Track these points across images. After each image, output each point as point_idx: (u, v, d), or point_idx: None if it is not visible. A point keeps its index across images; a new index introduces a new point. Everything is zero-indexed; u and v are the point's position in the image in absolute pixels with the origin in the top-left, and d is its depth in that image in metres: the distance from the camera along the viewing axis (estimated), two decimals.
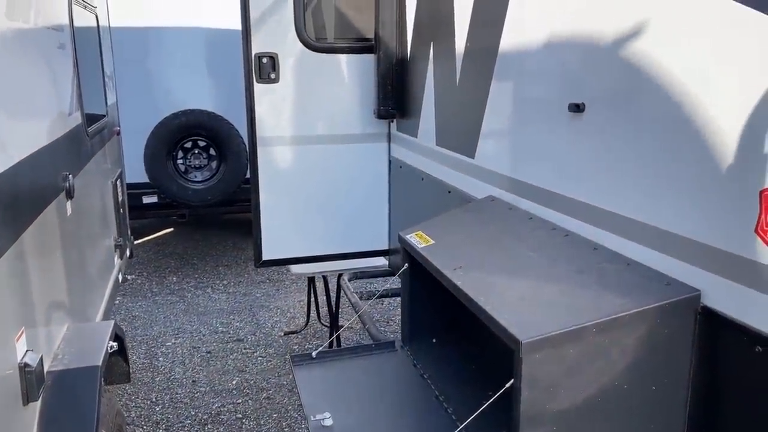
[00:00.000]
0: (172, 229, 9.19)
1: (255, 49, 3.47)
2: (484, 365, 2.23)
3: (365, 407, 2.05)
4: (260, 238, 3.77)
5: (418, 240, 2.28)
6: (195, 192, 6.90)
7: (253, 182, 3.70)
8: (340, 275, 4.44)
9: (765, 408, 1.34)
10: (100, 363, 2.36)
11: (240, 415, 4.53)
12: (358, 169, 3.84)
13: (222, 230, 9.26)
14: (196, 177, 6.97)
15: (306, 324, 5.89)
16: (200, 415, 4.54)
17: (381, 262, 4.23)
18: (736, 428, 1.43)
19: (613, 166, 1.81)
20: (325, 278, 5.10)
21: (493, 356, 1.98)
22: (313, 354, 2.37)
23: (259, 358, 5.40)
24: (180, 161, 6.94)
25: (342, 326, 5.97)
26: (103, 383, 2.41)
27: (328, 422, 1.91)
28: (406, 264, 2.39)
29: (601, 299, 1.57)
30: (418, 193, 3.35)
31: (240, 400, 4.73)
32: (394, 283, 4.11)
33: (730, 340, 1.43)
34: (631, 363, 1.52)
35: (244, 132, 6.77)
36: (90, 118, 3.57)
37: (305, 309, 5.83)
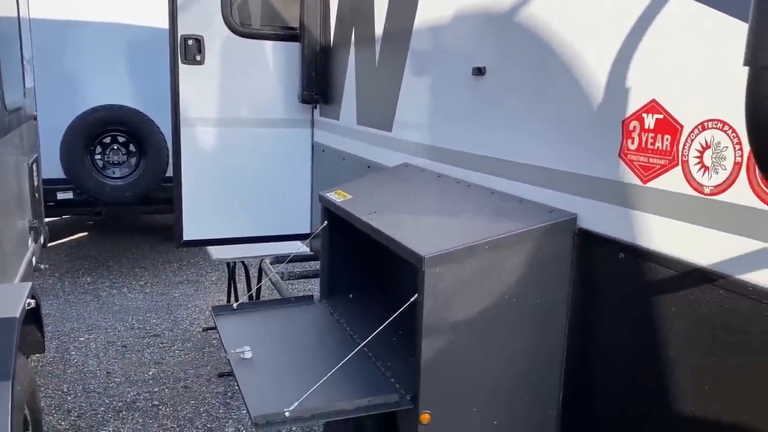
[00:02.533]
0: (86, 233, 8.94)
1: (181, 31, 3.57)
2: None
3: (284, 344, 2.18)
4: (181, 218, 3.82)
5: (337, 196, 2.45)
6: (113, 188, 6.79)
7: (176, 162, 3.77)
8: (261, 260, 4.52)
9: (628, 305, 1.58)
10: (18, 314, 2.37)
11: (156, 402, 4.49)
12: (281, 154, 3.98)
13: (140, 234, 9.08)
14: (114, 173, 6.87)
15: None
16: (115, 403, 4.47)
17: (302, 248, 4.35)
18: (607, 328, 1.66)
19: (507, 119, 2.05)
20: (245, 266, 5.15)
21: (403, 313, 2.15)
22: (234, 305, 2.47)
23: (177, 351, 5.36)
24: (98, 157, 6.82)
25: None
26: (19, 338, 2.42)
27: (248, 355, 2.03)
28: (326, 221, 2.55)
29: (494, 224, 1.79)
30: (339, 172, 3.53)
31: (156, 389, 4.69)
32: (317, 265, 4.25)
33: (600, 252, 1.67)
34: (519, 278, 1.74)
35: (165, 129, 6.76)
36: (8, 95, 3.55)
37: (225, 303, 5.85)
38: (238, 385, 1.86)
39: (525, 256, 1.73)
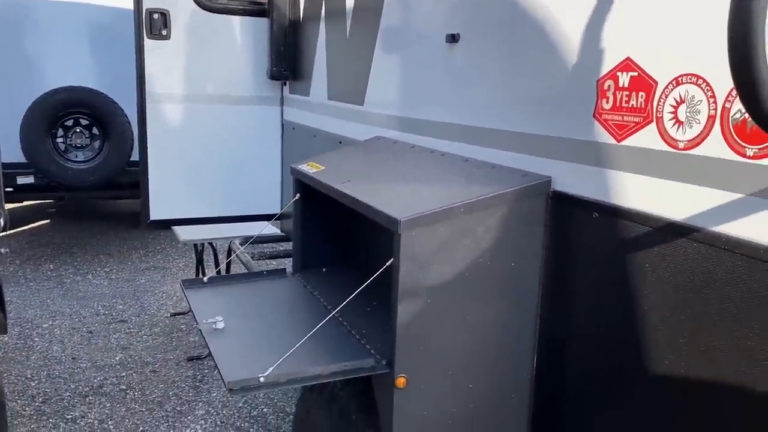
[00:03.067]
0: (48, 220, 8.71)
1: (146, 4, 3.48)
2: (371, 287, 2.39)
3: (256, 314, 2.15)
4: (148, 197, 3.74)
5: (309, 168, 2.41)
6: (75, 172, 6.61)
7: (141, 140, 3.68)
8: (231, 241, 4.46)
9: (602, 264, 1.59)
10: None
11: (124, 387, 4.41)
12: (250, 132, 3.92)
13: (104, 220, 8.89)
14: (77, 156, 6.69)
15: None
16: (81, 388, 4.38)
17: (271, 230, 4.31)
18: (581, 289, 1.67)
19: (481, 86, 2.04)
20: (214, 248, 5.07)
21: (379, 281, 2.13)
22: (205, 279, 2.43)
23: (144, 337, 5.27)
24: (60, 140, 6.64)
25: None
26: None
27: (220, 325, 1.99)
28: (297, 194, 2.51)
29: (469, 188, 1.78)
30: (310, 150, 3.49)
31: (124, 374, 4.61)
32: (289, 246, 4.21)
33: (574, 214, 1.68)
34: (494, 241, 1.74)
35: (129, 112, 6.61)
36: None
37: None
38: (210, 354, 1.83)
39: (499, 219, 1.73)
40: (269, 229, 4.34)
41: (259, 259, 3.94)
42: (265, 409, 4.17)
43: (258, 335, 1.96)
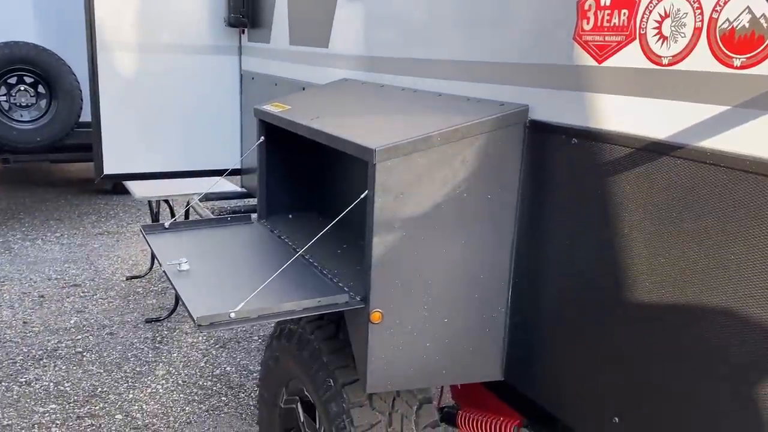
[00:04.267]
0: None
1: None
2: (341, 230, 2.33)
3: (223, 257, 2.07)
4: (101, 150, 3.57)
5: (274, 108, 2.32)
6: (21, 133, 6.30)
7: (93, 90, 3.50)
8: (189, 198, 4.31)
9: (580, 191, 1.56)
10: None
11: (80, 350, 4.27)
12: (207, 83, 3.76)
13: (53, 186, 8.55)
14: (22, 116, 6.37)
15: (150, 267, 5.67)
16: (34, 351, 4.22)
17: (231, 187, 4.19)
18: (558, 218, 1.65)
19: (453, 16, 1.97)
20: (170, 206, 4.92)
21: (347, 226, 2.07)
22: (166, 224, 2.33)
23: (100, 300, 5.11)
24: (2, 98, 6.30)
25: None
26: None
27: (185, 266, 1.91)
28: (262, 137, 2.42)
29: (444, 119, 1.73)
30: (271, 99, 3.37)
31: (79, 337, 4.46)
32: (251, 202, 4.10)
33: (552, 142, 1.64)
34: (470, 172, 1.69)
35: (78, 69, 6.31)
36: None
37: (149, 255, 5.60)
38: (177, 294, 1.74)
39: (476, 149, 1.68)
40: (229, 186, 4.22)
41: (220, 215, 3.82)
42: (228, 368, 4.10)
43: (225, 275, 1.89)
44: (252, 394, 3.81)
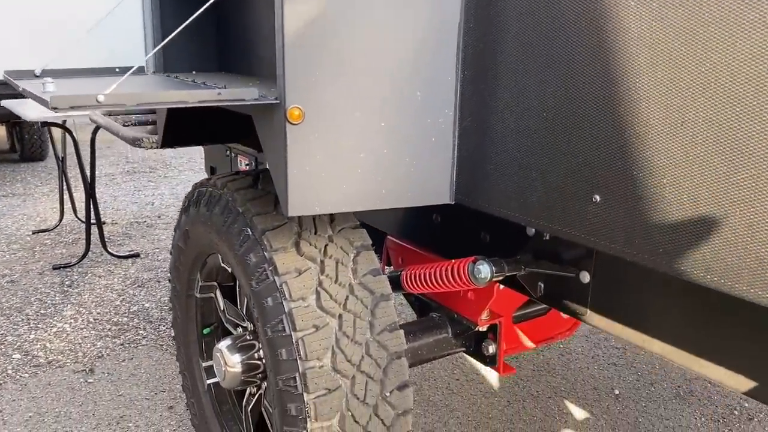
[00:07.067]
0: None
1: None
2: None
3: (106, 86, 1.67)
4: None
5: None
6: None
7: None
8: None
9: None
10: None
11: None
12: None
13: None
14: None
15: (60, 220, 5.13)
16: None
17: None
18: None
19: None
20: (71, 133, 4.38)
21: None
22: (37, 71, 1.91)
23: (1, 253, 4.55)
24: None
25: (105, 222, 5.30)
26: None
27: (51, 87, 1.50)
28: None
29: None
30: None
31: None
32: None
33: None
34: None
35: None
36: None
37: (59, 211, 5.05)
38: (24, 94, 1.35)
39: None
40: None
41: (127, 125, 3.36)
42: (146, 305, 3.67)
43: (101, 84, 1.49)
44: None
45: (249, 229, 1.65)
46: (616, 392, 2.91)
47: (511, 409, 2.75)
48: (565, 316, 2.25)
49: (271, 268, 1.57)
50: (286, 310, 1.54)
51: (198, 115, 2.07)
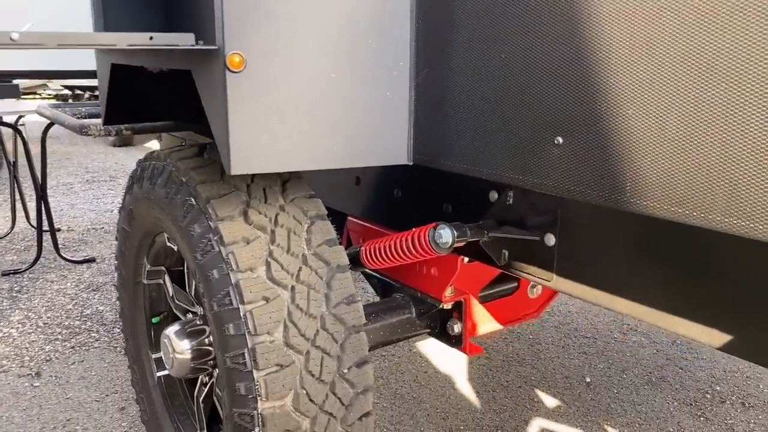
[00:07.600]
0: None
1: None
2: None
3: None
4: None
5: None
6: None
7: None
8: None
9: None
10: None
11: None
12: None
13: None
14: None
15: (12, 227, 4.91)
16: None
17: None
18: None
19: None
20: (18, 131, 4.19)
21: None
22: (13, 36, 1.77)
23: None
24: None
25: (59, 229, 5.10)
26: None
27: (15, 36, 1.37)
28: None
29: None
30: None
31: None
32: None
33: None
34: None
35: None
36: None
37: (10, 219, 4.83)
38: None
39: None
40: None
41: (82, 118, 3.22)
42: (101, 308, 3.49)
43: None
44: None
45: (193, 198, 1.53)
46: (588, 380, 2.84)
47: (480, 399, 2.66)
48: (532, 295, 2.17)
49: (216, 238, 1.46)
50: (233, 281, 1.43)
51: (143, 88, 1.95)
